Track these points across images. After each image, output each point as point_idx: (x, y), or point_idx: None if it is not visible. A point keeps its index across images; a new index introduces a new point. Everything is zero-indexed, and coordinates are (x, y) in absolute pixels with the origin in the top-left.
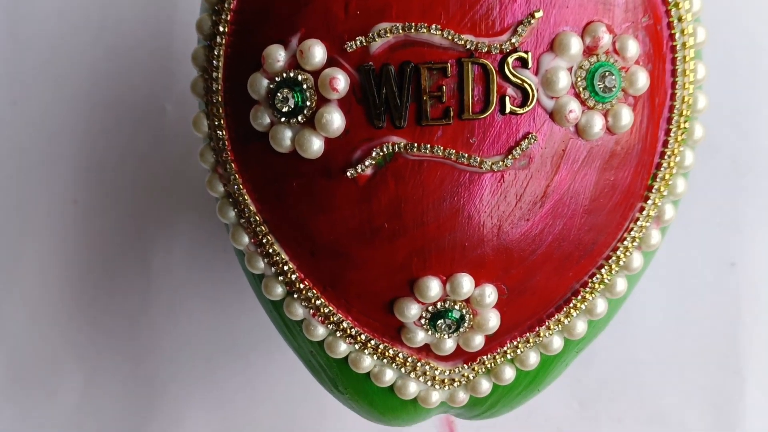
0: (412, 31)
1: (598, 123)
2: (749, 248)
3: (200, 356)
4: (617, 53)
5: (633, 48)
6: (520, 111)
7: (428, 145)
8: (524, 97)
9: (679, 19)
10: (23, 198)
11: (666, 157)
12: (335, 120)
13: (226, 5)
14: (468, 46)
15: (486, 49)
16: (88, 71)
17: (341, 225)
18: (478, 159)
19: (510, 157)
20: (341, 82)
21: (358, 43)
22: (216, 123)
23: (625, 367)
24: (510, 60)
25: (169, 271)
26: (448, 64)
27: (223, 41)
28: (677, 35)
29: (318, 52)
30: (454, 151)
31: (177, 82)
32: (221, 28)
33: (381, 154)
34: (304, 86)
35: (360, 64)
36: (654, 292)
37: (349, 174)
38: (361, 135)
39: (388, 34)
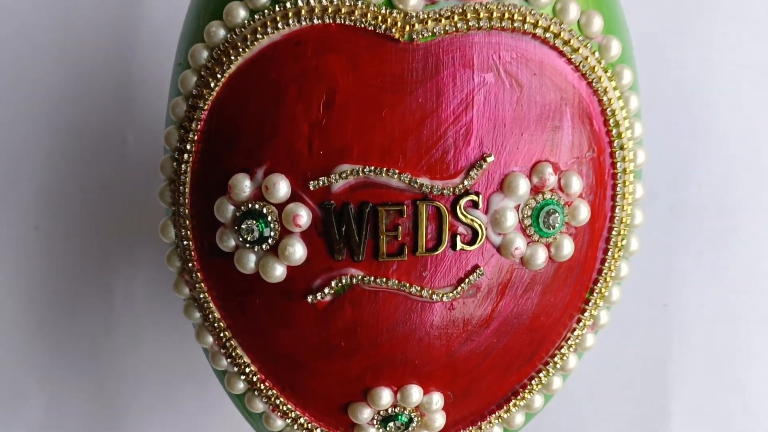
0: (372, 174)
1: (541, 255)
2: (681, 291)
3: (161, 380)
4: (561, 190)
5: (576, 184)
6: (469, 248)
7: (384, 278)
8: (474, 235)
9: (621, 147)
10: None
11: (603, 273)
12: (297, 251)
13: (193, 125)
14: (423, 189)
15: (440, 192)
16: (48, 97)
17: (300, 341)
18: (430, 291)
19: (459, 288)
20: (304, 218)
21: (321, 183)
22: (183, 233)
23: (561, 401)
24: (462, 202)
25: (131, 296)
26: (404, 206)
27: (190, 158)
28: (618, 163)
29: (282, 188)
30: (407, 283)
31: (138, 111)
32: (188, 146)
33: (340, 284)
34: (269, 218)
35: (322, 201)
36: None
37: (309, 300)
38: (322, 265)
39: (349, 176)
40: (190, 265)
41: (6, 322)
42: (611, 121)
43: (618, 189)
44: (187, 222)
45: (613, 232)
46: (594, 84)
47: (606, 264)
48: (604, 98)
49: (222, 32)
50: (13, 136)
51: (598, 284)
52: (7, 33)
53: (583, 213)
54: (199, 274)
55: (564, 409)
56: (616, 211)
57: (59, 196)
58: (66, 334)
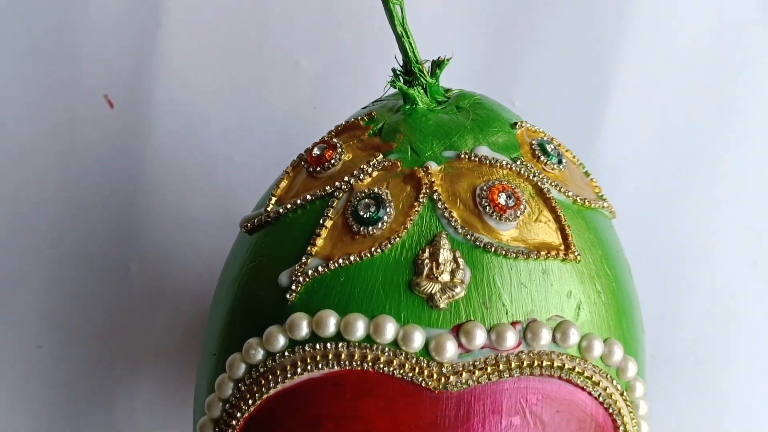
0: None
1: None
2: None
3: None
4: None
5: None
6: None
7: None
8: None
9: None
10: None
11: None
12: None
13: (230, 430)
14: None
15: None
16: (50, 222)
17: None
18: None
19: None
20: None
21: None
22: None
23: None
24: None
25: (132, 413)
26: None
27: None
28: None
29: None
30: None
31: (140, 242)
32: None
33: None
34: None
35: None
36: None
37: None
38: None
39: None
40: None
41: None
42: (621, 430)
43: None
44: None
45: None
46: (610, 408)
47: None
48: (618, 419)
49: (261, 354)
50: (18, 258)
51: None
52: (10, 160)
53: None
54: None
55: None
56: None
57: (62, 317)
58: None
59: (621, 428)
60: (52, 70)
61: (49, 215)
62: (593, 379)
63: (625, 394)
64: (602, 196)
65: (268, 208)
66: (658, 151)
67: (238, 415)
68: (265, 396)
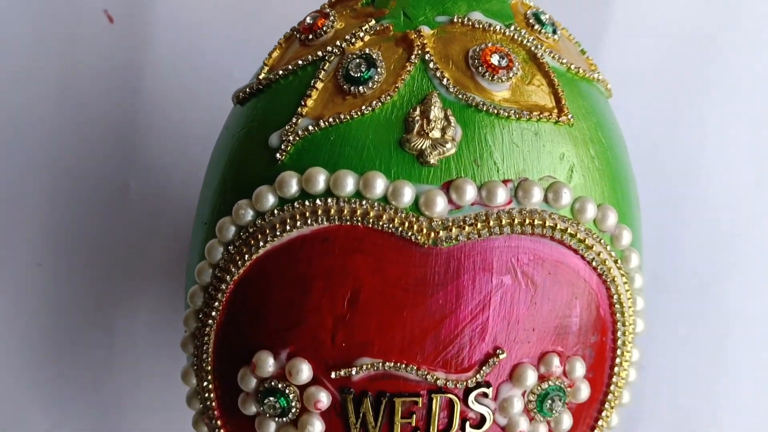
0: (391, 368)
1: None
2: (657, 355)
3: (160, 414)
4: (565, 375)
5: (580, 369)
6: (477, 431)
7: None
8: (482, 419)
9: (623, 324)
10: None
11: (596, 430)
12: (316, 428)
13: (219, 295)
14: (438, 383)
15: (453, 385)
16: (51, 140)
17: None
18: None
19: None
20: (324, 402)
21: (342, 373)
22: (205, 385)
23: None
24: (473, 394)
25: (131, 332)
26: (420, 396)
27: (214, 323)
28: (619, 339)
29: (304, 373)
30: None
31: (140, 158)
32: (213, 313)
33: None
34: (290, 396)
35: (342, 387)
36: None
37: None
38: None
39: (369, 369)
40: (210, 412)
41: (10, 353)
42: (616, 305)
43: (617, 360)
44: (210, 377)
45: (609, 395)
46: (604, 275)
47: (600, 422)
48: (612, 286)
49: (251, 214)
50: (17, 176)
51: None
52: (9, 77)
53: (584, 393)
54: (219, 421)
55: None
56: (613, 378)
57: (62, 236)
58: (69, 367)
59: (615, 297)
60: None
61: (48, 132)
62: (586, 242)
63: (619, 262)
64: (598, 72)
65: (260, 77)
66: (659, 65)
67: (228, 278)
68: (254, 256)
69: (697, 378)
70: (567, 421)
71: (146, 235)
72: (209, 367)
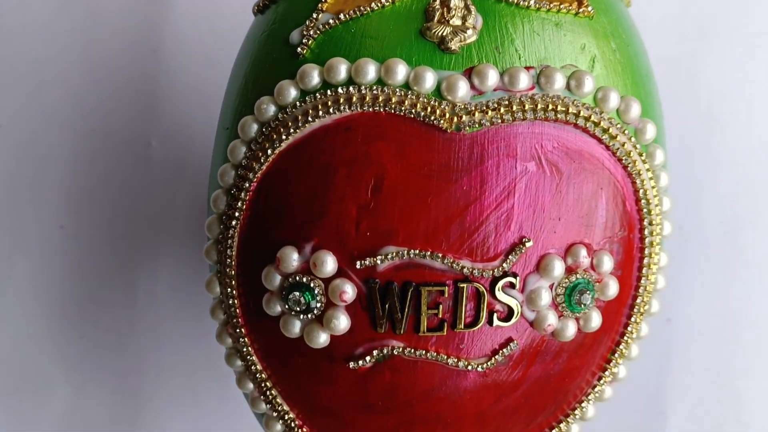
0: (416, 256)
1: (571, 329)
2: (684, 307)
3: (182, 375)
4: (593, 269)
5: (608, 264)
6: (505, 324)
7: (423, 350)
8: (509, 312)
9: (650, 223)
10: (12, 221)
11: (626, 335)
12: (342, 322)
13: (242, 194)
14: (464, 272)
15: (480, 274)
16: (73, 101)
17: (339, 397)
18: (466, 362)
19: (493, 359)
20: (349, 293)
21: (367, 262)
22: (228, 291)
23: None
24: (500, 283)
25: (154, 293)
26: (446, 286)
27: (238, 224)
28: (647, 238)
29: (329, 265)
30: (445, 355)
31: (162, 118)
32: (236, 213)
33: (381, 354)
34: (315, 291)
35: (367, 278)
36: None
37: (351, 365)
38: (364, 335)
39: (395, 258)
40: (234, 320)
41: (33, 316)
42: (642, 200)
43: (645, 261)
44: (233, 282)
45: (638, 300)
46: (629, 167)
47: (629, 327)
48: (638, 180)
49: (273, 109)
50: (39, 138)
51: (621, 345)
52: (31, 37)
53: (612, 289)
54: (243, 329)
55: None
56: (642, 281)
57: (84, 197)
58: (91, 329)
59: (641, 193)
60: None
61: (71, 93)
62: (610, 131)
63: (644, 156)
64: None
65: None
66: (682, 14)
67: (251, 176)
68: (277, 150)
69: (725, 328)
70: (596, 319)
71: (168, 195)
72: (233, 272)
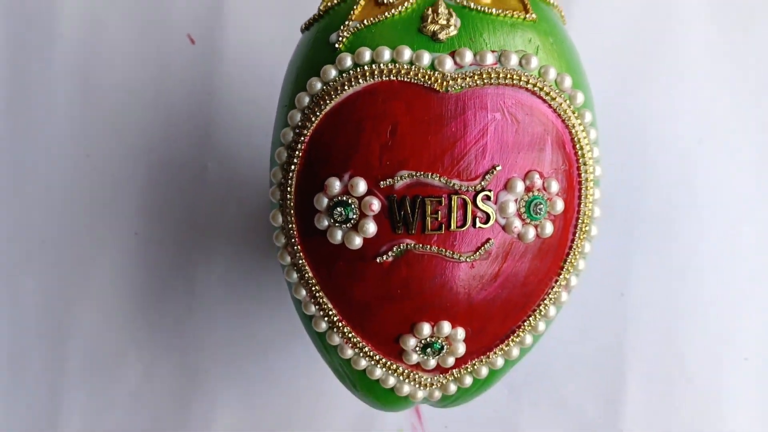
0: (422, 177)
1: (531, 233)
2: (636, 283)
3: (236, 354)
4: (545, 190)
5: (555, 187)
6: (484, 226)
7: (428, 246)
8: (487, 218)
9: (584, 164)
10: (96, 230)
11: (573, 249)
12: (371, 228)
13: (298, 147)
14: (455, 187)
15: (466, 189)
16: (147, 135)
17: (369, 291)
18: (458, 254)
19: (477, 253)
20: (376, 206)
21: (387, 183)
22: (288, 219)
23: (541, 366)
24: (480, 196)
25: (209, 285)
26: (443, 198)
27: (295, 169)
28: (582, 174)
29: (361, 187)
30: (444, 249)
31: (215, 146)
32: (294, 161)
33: (399, 249)
34: (352, 206)
35: (388, 195)
36: (562, 314)
37: (378, 260)
38: (387, 237)
39: (407, 178)
40: (292, 240)
41: (111, 306)
42: (577, 146)
43: (582, 192)
44: (292, 212)
45: (579, 222)
46: (566, 121)
47: (575, 243)
48: (573, 131)
49: (319, 85)
50: (120, 164)
51: (569, 257)
52: (114, 87)
53: (559, 205)
54: (298, 246)
55: (545, 372)
56: (581, 207)
57: (154, 210)
58: (158, 316)
59: (576, 140)
60: (145, 16)
61: (143, 128)
62: (551, 94)
63: (577, 113)
64: (555, 2)
65: (320, 7)
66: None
67: (305, 132)
68: (323, 112)
69: (671, 299)
70: (549, 227)
71: (221, 208)
72: (291, 203)
